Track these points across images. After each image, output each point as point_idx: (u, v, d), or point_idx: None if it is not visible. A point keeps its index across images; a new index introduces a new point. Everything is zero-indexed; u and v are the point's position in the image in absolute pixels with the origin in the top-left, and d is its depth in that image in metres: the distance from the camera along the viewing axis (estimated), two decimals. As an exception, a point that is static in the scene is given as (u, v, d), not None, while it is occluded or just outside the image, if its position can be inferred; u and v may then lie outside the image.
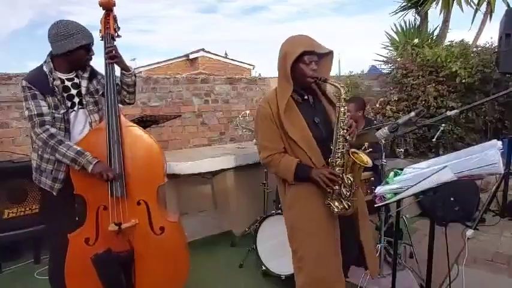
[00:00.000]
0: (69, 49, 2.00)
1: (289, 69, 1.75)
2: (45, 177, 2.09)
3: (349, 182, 1.69)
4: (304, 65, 1.77)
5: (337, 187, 1.72)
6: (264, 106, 1.84)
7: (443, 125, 2.10)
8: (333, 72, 5.85)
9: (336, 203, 1.73)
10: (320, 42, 1.81)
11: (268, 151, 1.83)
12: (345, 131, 1.71)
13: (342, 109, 1.71)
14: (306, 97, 1.88)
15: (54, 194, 2.09)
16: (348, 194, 1.70)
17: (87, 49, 2.07)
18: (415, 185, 1.47)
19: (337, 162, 1.71)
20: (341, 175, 1.71)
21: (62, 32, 1.99)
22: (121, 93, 2.30)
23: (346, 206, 1.72)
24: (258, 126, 1.89)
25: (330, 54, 1.86)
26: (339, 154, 1.71)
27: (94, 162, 1.95)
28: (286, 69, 1.74)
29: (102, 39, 2.16)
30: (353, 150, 1.71)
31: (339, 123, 1.72)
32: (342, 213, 1.75)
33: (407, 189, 1.51)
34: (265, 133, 1.84)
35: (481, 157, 1.33)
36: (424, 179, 1.43)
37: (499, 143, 1.39)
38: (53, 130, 1.98)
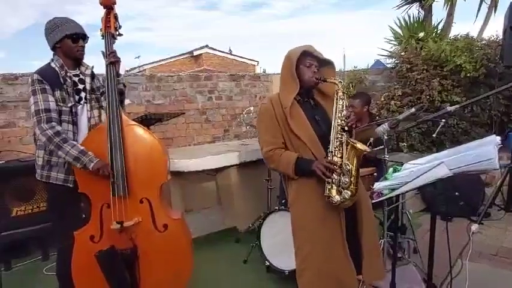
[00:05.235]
0: (56, 40, 2.08)
1: (295, 68, 1.87)
2: (56, 171, 2.12)
3: (348, 168, 1.71)
4: (305, 68, 1.91)
5: (335, 176, 1.73)
6: (266, 103, 1.96)
7: (443, 120, 2.09)
8: (338, 67, 5.84)
9: (335, 193, 1.74)
10: (321, 49, 1.95)
11: (269, 145, 1.90)
12: (343, 121, 1.77)
13: (341, 101, 1.81)
14: (306, 99, 1.98)
15: (71, 186, 2.12)
16: (347, 181, 1.71)
17: (73, 39, 2.10)
18: (411, 181, 1.48)
19: (336, 152, 1.76)
20: (339, 163, 1.74)
21: (50, 26, 2.09)
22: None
23: (346, 196, 1.72)
24: (260, 122, 1.99)
25: (331, 65, 1.99)
26: (337, 143, 1.76)
27: (95, 161, 1.99)
28: (292, 68, 1.87)
29: (102, 38, 2.18)
30: (351, 140, 1.75)
31: (336, 113, 1.80)
32: (342, 205, 1.76)
33: (404, 185, 1.52)
34: (267, 128, 1.92)
35: (478, 153, 1.34)
36: (419, 175, 1.44)
37: (498, 138, 1.39)
38: (58, 128, 2.02)
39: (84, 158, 1.98)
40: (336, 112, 1.81)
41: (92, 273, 2.00)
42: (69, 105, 2.09)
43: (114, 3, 2.18)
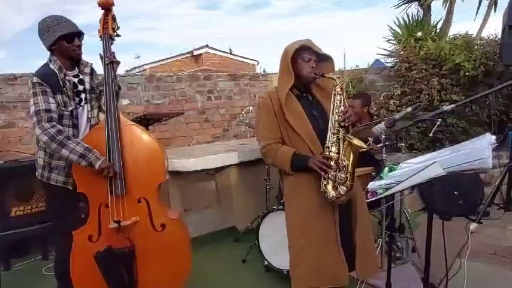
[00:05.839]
0: (50, 43, 2.04)
1: (290, 62, 1.86)
2: (56, 173, 2.12)
3: (344, 163, 1.71)
4: (303, 62, 1.89)
5: (332, 171, 1.73)
6: (264, 97, 1.94)
7: (439, 120, 2.09)
8: (338, 66, 5.84)
9: (330, 188, 1.74)
10: (321, 47, 1.93)
11: (266, 140, 1.90)
12: (340, 116, 1.77)
13: (338, 97, 1.81)
14: (304, 94, 1.97)
15: (70, 188, 2.12)
16: (343, 177, 1.71)
17: (68, 39, 2.05)
18: (404, 180, 1.48)
19: (332, 148, 1.75)
20: (336, 158, 1.73)
21: (42, 28, 2.05)
22: (101, 100, 2.30)
23: (342, 192, 1.71)
24: (258, 117, 1.99)
25: (330, 60, 1.96)
26: (334, 139, 1.76)
27: (102, 159, 1.98)
28: (288, 62, 1.86)
29: (101, 39, 2.17)
30: (348, 135, 1.75)
31: (334, 108, 1.79)
32: (338, 201, 1.76)
33: (397, 184, 1.52)
34: (265, 123, 1.92)
35: (470, 152, 1.34)
36: (413, 175, 1.44)
37: (493, 137, 1.39)
38: (60, 126, 2.00)
39: (91, 155, 1.97)
40: (333, 107, 1.80)
41: (90, 272, 2.00)
42: (70, 109, 2.08)
43: (112, 4, 2.18)
